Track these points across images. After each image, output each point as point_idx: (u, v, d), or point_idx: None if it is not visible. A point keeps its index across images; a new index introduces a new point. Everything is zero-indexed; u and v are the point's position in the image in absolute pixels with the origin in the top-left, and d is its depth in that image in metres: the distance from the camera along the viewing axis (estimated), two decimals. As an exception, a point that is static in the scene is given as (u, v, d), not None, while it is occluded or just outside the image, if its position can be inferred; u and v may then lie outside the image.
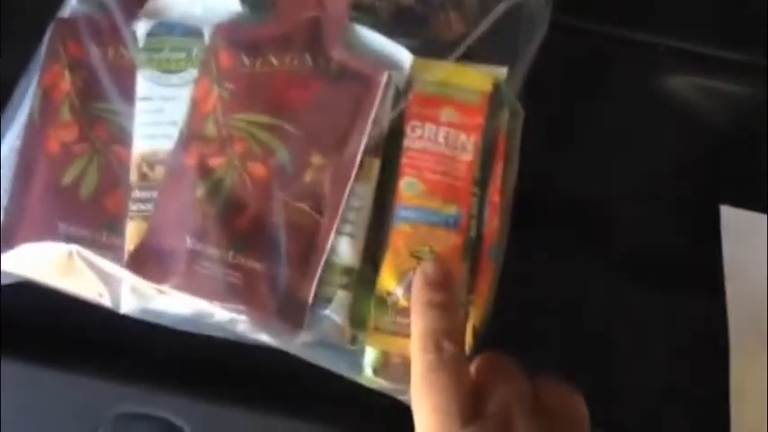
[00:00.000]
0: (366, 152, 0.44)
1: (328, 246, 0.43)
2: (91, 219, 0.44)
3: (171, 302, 0.44)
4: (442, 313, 0.41)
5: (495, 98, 0.47)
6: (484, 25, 0.47)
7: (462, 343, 0.41)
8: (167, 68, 0.45)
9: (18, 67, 0.50)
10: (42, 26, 0.49)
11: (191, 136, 0.43)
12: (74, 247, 0.43)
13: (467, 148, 0.46)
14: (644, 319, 0.51)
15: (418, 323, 0.41)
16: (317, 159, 0.43)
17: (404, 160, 0.45)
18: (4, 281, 0.46)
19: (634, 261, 0.53)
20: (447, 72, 0.47)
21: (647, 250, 0.54)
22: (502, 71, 0.48)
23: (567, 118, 0.55)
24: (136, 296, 0.44)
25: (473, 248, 0.45)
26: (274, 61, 0.44)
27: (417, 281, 0.43)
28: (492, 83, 0.47)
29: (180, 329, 0.44)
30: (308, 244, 0.43)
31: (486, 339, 0.44)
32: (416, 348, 0.40)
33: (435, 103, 0.46)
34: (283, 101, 0.44)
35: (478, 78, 0.47)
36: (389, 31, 0.48)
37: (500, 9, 0.47)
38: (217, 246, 0.42)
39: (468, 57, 0.48)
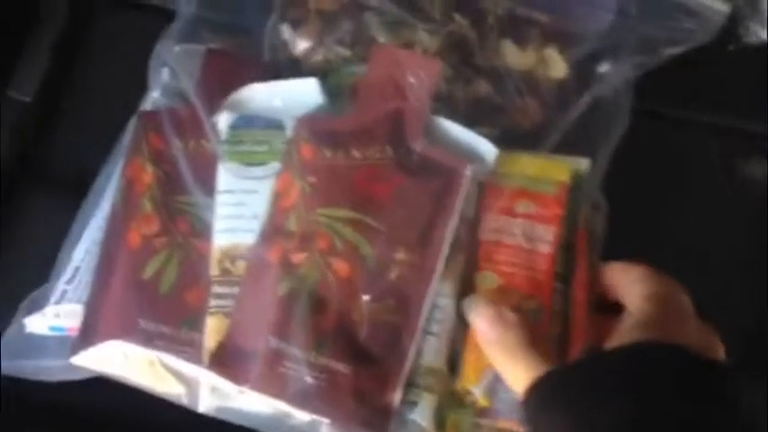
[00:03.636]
0: (450, 247, 0.43)
1: (413, 347, 0.41)
2: (170, 315, 0.43)
3: (250, 402, 0.43)
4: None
5: (575, 189, 0.46)
6: (568, 118, 0.46)
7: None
8: (249, 161, 0.44)
9: (100, 154, 0.50)
10: (124, 115, 0.49)
11: (273, 231, 0.43)
12: (153, 352, 0.43)
13: (545, 239, 0.44)
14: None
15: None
16: (400, 255, 0.42)
17: (479, 253, 0.44)
18: (81, 376, 0.45)
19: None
20: (523, 163, 0.46)
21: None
22: (583, 162, 0.47)
23: (649, 205, 0.53)
24: (215, 395, 0.43)
25: (559, 347, 0.44)
26: (356, 154, 0.43)
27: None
28: (570, 173, 0.46)
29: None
30: (393, 344, 0.41)
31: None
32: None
33: (511, 195, 0.45)
34: (366, 195, 0.43)
35: (556, 169, 0.46)
36: (467, 120, 0.47)
37: (585, 101, 0.46)
38: (300, 346, 0.41)
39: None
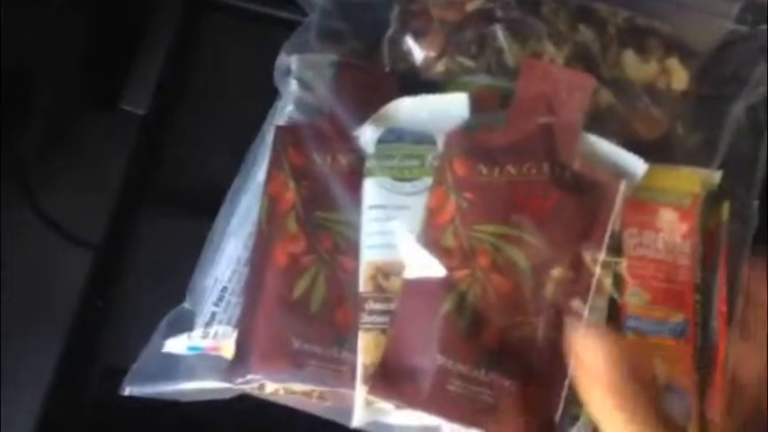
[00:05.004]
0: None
1: (573, 361, 0.41)
2: (322, 334, 0.43)
3: (403, 416, 0.42)
4: None
5: (710, 201, 0.46)
6: (728, 132, 0.46)
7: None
8: (400, 176, 0.44)
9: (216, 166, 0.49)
10: (238, 126, 0.49)
11: (428, 248, 0.42)
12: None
13: (684, 251, 0.45)
14: None
15: None
16: (556, 272, 0.42)
17: (626, 269, 0.44)
18: (224, 396, 0.44)
19: None
20: (656, 176, 0.46)
21: None
22: (715, 175, 0.47)
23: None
24: (368, 411, 0.43)
25: (702, 361, 0.44)
26: (512, 170, 0.43)
27: None
28: (702, 185, 0.46)
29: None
30: (554, 359, 0.41)
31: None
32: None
33: (650, 209, 0.45)
34: (523, 211, 0.43)
35: (688, 181, 0.46)
36: (589, 131, 0.47)
37: (736, 112, 0.46)
38: (468, 363, 0.41)
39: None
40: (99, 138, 0.52)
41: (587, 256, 0.43)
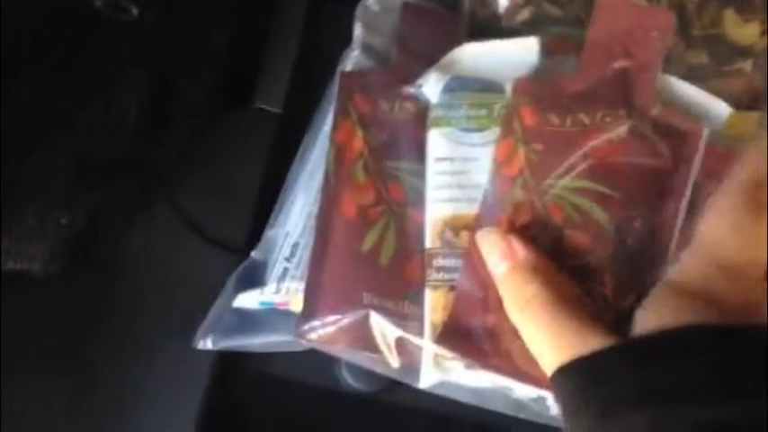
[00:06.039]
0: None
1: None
2: (392, 288, 0.42)
3: (472, 376, 0.41)
4: None
5: None
6: None
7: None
8: (467, 127, 0.42)
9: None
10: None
11: (498, 202, 0.41)
12: (375, 318, 0.41)
13: None
14: None
15: None
16: (638, 224, 0.40)
17: None
18: (294, 349, 0.44)
19: None
20: (741, 121, 0.43)
21: None
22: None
23: None
24: (436, 370, 0.42)
25: None
26: (585, 119, 0.41)
27: None
28: None
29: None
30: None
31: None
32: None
33: (730, 158, 0.42)
34: (598, 161, 0.40)
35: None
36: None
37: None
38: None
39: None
40: (234, 138, 0.51)
41: (668, 208, 0.40)
